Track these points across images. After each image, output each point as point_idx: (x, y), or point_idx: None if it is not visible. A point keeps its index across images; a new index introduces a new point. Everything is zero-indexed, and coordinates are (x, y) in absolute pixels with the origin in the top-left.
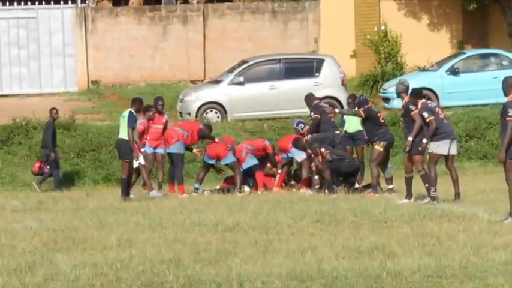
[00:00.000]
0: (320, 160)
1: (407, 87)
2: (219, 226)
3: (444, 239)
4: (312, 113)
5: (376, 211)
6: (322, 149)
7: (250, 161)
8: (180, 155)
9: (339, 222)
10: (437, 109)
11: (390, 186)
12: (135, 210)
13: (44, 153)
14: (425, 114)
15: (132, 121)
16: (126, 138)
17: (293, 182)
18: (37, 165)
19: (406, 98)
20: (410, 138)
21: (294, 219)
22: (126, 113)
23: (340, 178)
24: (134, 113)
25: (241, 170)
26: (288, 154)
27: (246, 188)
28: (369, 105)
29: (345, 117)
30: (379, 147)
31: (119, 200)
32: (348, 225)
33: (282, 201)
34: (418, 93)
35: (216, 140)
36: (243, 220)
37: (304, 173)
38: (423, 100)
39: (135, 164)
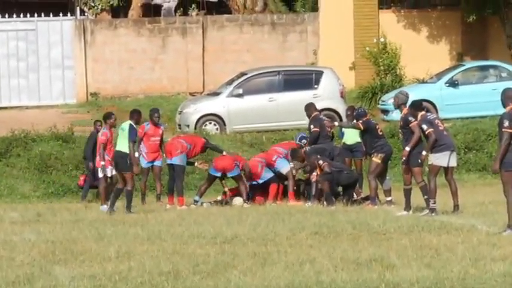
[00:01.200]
0: (318, 172)
1: (407, 99)
2: (217, 238)
3: (443, 250)
4: (312, 126)
5: (374, 223)
6: (321, 162)
7: (266, 175)
8: (183, 167)
9: (337, 234)
10: (436, 121)
11: (389, 198)
12: (133, 222)
13: (85, 165)
14: (425, 127)
15: (133, 134)
16: (126, 151)
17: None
18: (82, 178)
19: (405, 110)
20: (407, 149)
21: (293, 231)
22: (126, 126)
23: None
24: (134, 125)
25: (258, 183)
26: (275, 168)
27: (238, 201)
28: (368, 117)
29: (344, 129)
30: (377, 159)
31: (122, 211)
32: (347, 237)
33: (281, 213)
34: (418, 106)
35: (224, 153)
36: (242, 232)
37: (290, 185)
38: (423, 112)
39: (100, 174)
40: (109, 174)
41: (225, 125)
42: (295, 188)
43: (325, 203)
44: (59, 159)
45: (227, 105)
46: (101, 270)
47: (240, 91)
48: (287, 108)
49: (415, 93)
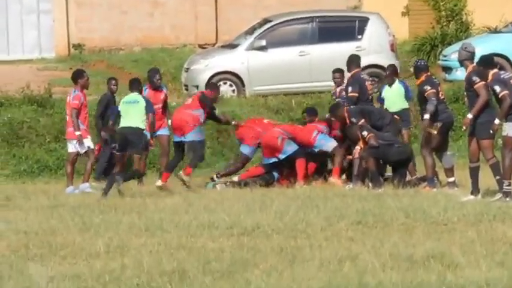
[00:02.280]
0: (362, 146)
1: (472, 54)
2: (234, 229)
3: None
4: (350, 88)
5: (433, 210)
6: (365, 133)
7: (288, 149)
8: (199, 142)
9: (386, 225)
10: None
11: (451, 179)
12: (128, 209)
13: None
14: (497, 88)
15: (150, 105)
16: (142, 127)
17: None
18: (97, 147)
19: (470, 67)
20: (470, 116)
21: (329, 221)
22: (138, 98)
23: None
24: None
25: (279, 160)
26: (314, 148)
27: (219, 186)
28: (429, 73)
29: (384, 93)
30: (433, 129)
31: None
32: (398, 228)
33: (314, 198)
34: (488, 62)
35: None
36: (265, 222)
37: (337, 161)
38: (495, 70)
39: (82, 150)
40: (83, 149)
41: (243, 85)
42: (336, 164)
43: (370, 184)
44: (33, 129)
45: (246, 61)
46: (86, 269)
47: (263, 43)
48: (322, 64)
49: (484, 46)
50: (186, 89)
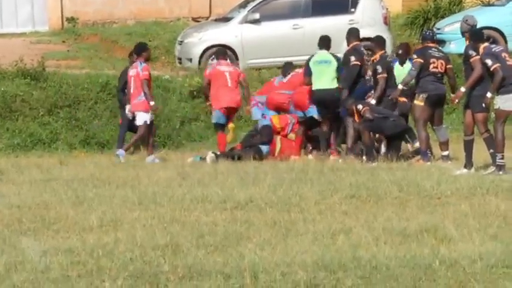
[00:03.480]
0: (357, 119)
1: (473, 27)
2: (227, 203)
3: None
4: (353, 58)
5: (426, 184)
6: (360, 106)
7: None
8: None
9: (379, 198)
10: (503, 54)
11: (445, 153)
12: (121, 183)
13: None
14: (489, 62)
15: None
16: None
17: (310, 147)
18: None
19: (468, 40)
20: (462, 89)
21: (323, 194)
22: (328, 56)
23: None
24: None
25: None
26: (306, 112)
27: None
28: (429, 43)
29: (396, 71)
30: (418, 101)
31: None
32: (391, 202)
33: (308, 171)
34: (478, 36)
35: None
36: (258, 195)
37: (332, 137)
38: (485, 44)
39: (142, 120)
40: (149, 120)
41: (237, 58)
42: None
43: (364, 158)
44: (27, 102)
45: (240, 34)
46: (79, 243)
47: (257, 16)
48: (316, 37)
49: (478, 19)
50: (180, 62)
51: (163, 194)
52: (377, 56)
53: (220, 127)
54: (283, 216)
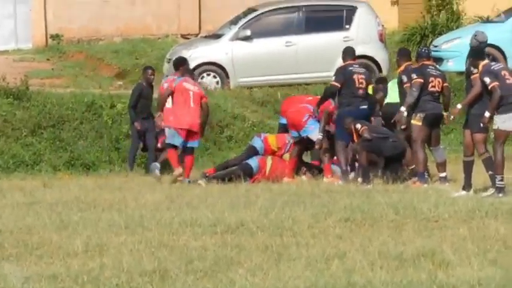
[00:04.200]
0: (355, 139)
1: (480, 41)
2: (217, 226)
3: None
4: (334, 77)
5: (423, 207)
6: (358, 125)
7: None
8: None
9: (375, 221)
10: (503, 72)
11: (443, 174)
12: (107, 206)
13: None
14: (487, 80)
15: None
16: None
17: (304, 170)
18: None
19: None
20: (459, 106)
21: (316, 218)
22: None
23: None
24: None
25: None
26: (301, 132)
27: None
28: (426, 61)
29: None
30: (415, 121)
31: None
32: (387, 225)
33: (301, 194)
34: (477, 52)
35: None
36: (250, 218)
37: (327, 158)
38: (485, 61)
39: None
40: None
41: (228, 77)
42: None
43: (359, 179)
44: (9, 122)
45: (231, 51)
46: (64, 269)
47: (248, 33)
48: (309, 55)
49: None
50: None
51: (150, 218)
52: (402, 68)
53: (173, 147)
54: (275, 241)
